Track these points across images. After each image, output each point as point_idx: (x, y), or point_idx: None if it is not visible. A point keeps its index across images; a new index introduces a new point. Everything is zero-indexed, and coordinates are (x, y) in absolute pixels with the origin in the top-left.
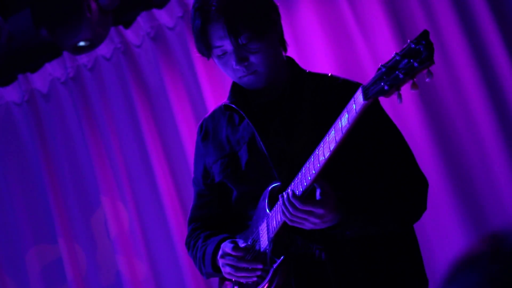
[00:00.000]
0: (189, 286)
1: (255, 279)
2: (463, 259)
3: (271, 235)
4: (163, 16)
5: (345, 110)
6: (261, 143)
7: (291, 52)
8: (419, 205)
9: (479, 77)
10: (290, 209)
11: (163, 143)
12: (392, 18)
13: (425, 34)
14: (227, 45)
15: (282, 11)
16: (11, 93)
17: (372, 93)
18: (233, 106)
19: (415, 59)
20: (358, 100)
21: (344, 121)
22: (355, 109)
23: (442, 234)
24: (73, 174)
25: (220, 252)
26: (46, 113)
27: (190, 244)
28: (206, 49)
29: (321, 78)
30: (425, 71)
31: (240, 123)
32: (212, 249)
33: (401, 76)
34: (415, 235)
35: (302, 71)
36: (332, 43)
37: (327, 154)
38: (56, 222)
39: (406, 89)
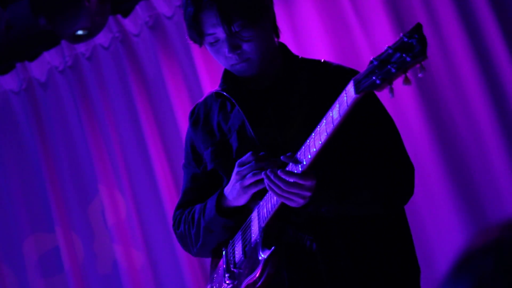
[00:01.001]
0: (186, 275)
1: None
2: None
3: (262, 224)
4: (161, 5)
5: (337, 102)
6: (251, 131)
7: (290, 42)
8: (403, 188)
9: (479, 72)
10: (281, 185)
11: (160, 132)
12: (390, 8)
13: (418, 27)
14: (220, 33)
15: (280, 1)
16: (9, 81)
17: (364, 86)
18: (224, 93)
19: (407, 53)
20: (349, 93)
21: (335, 113)
22: (346, 102)
23: (441, 228)
24: (70, 163)
25: (231, 179)
26: (44, 102)
27: (181, 223)
28: (198, 36)
29: (314, 64)
30: (418, 65)
31: (232, 110)
32: (215, 195)
33: (393, 70)
34: (407, 224)
35: (295, 57)
36: (330, 33)
37: (318, 145)
38: (53, 211)
39: (398, 83)
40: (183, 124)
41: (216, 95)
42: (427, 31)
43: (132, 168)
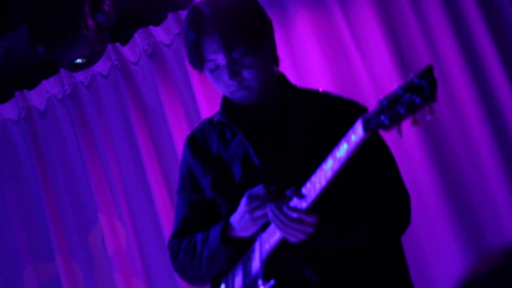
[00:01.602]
0: None
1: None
2: (462, 283)
3: (263, 257)
4: (159, 33)
5: (343, 140)
6: (256, 160)
7: (287, 68)
8: (399, 220)
9: (478, 99)
10: (285, 220)
11: (160, 160)
12: (388, 33)
13: (428, 69)
14: (220, 59)
15: (278, 26)
16: (8, 110)
17: (372, 126)
18: (227, 121)
19: (417, 95)
20: (357, 132)
21: (342, 151)
22: (354, 141)
23: (440, 254)
24: (70, 191)
25: (241, 207)
26: (43, 130)
27: (181, 246)
28: (198, 62)
29: (312, 94)
30: (427, 108)
31: (233, 138)
32: (220, 224)
33: (402, 111)
34: (403, 254)
35: (293, 87)
36: (328, 59)
37: (323, 183)
38: (53, 240)
39: (406, 124)
40: (182, 151)
41: (217, 123)
42: (424, 56)
43: (132, 196)
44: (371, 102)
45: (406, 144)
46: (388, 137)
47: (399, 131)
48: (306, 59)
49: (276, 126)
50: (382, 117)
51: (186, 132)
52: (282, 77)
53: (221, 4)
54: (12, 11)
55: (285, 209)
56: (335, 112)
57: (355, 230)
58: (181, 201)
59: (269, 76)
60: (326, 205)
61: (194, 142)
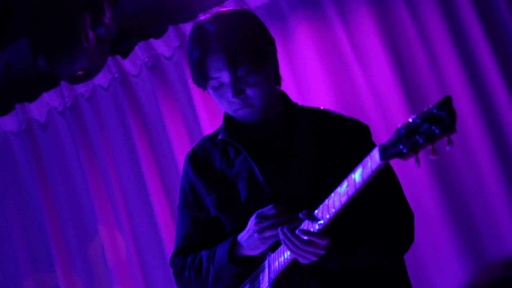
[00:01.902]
0: None
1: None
2: None
3: (272, 277)
4: (160, 45)
5: (360, 165)
6: (261, 179)
7: (288, 80)
8: (404, 237)
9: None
10: (296, 242)
11: (160, 172)
12: (388, 45)
13: (447, 100)
14: (225, 77)
15: (278, 39)
16: (9, 122)
17: (390, 154)
18: (231, 140)
19: (436, 125)
20: (374, 159)
21: (357, 176)
22: (371, 167)
23: (441, 267)
24: (70, 203)
25: (250, 225)
26: (44, 143)
27: (186, 263)
28: (202, 80)
29: (314, 112)
30: (445, 138)
31: (236, 157)
32: (228, 242)
33: (421, 141)
34: (405, 267)
35: (295, 105)
36: (328, 71)
37: (338, 206)
38: (53, 251)
39: (424, 154)
40: (183, 164)
41: (220, 141)
42: (424, 67)
43: (132, 209)
44: (371, 114)
45: (408, 163)
46: None
47: (417, 161)
48: (306, 71)
49: (279, 145)
50: (401, 146)
51: (187, 144)
52: (284, 96)
53: (225, 23)
54: (13, 23)
55: (297, 231)
56: (337, 130)
57: (363, 251)
58: (183, 218)
59: (271, 94)
60: (335, 226)
61: (196, 159)
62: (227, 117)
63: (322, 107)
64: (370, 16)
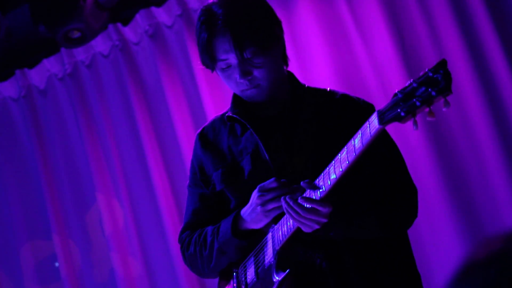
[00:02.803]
0: (183, 285)
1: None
2: (462, 267)
3: (277, 247)
4: (161, 14)
5: (359, 131)
6: (265, 154)
7: (291, 58)
8: (407, 212)
9: (478, 82)
10: (299, 210)
11: (159, 141)
12: (391, 23)
13: (442, 63)
14: (232, 59)
15: (282, 18)
16: (8, 88)
17: (388, 118)
18: (237, 117)
19: (432, 87)
20: (373, 124)
21: (357, 142)
22: (370, 132)
23: (439, 242)
24: (68, 171)
25: (252, 201)
26: (43, 109)
27: (192, 239)
28: (210, 62)
29: (320, 93)
30: (442, 100)
31: (243, 134)
32: (231, 217)
33: (418, 103)
34: (408, 240)
35: (302, 86)
36: (331, 48)
37: (339, 173)
38: (51, 218)
39: (421, 117)
40: (182, 133)
41: (228, 118)
42: (427, 47)
43: (130, 177)
44: (372, 88)
45: (408, 137)
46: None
47: (415, 123)
48: (308, 45)
49: (286, 123)
50: (398, 110)
51: (186, 112)
52: (291, 76)
53: (233, 6)
54: None
55: (300, 200)
56: (342, 109)
57: (365, 221)
58: (191, 195)
59: (278, 75)
60: (338, 197)
61: (205, 137)
62: (235, 96)
63: (328, 88)
64: None
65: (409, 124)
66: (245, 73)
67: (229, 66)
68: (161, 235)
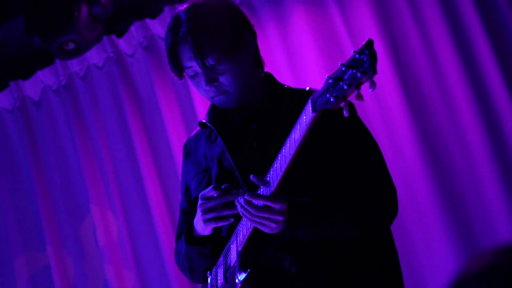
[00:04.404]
0: None
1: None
2: (454, 282)
3: (239, 248)
4: (156, 26)
5: (297, 123)
6: (229, 157)
7: (283, 64)
8: (384, 210)
9: (469, 86)
10: (250, 210)
11: (153, 152)
12: (384, 30)
13: (369, 43)
14: (196, 66)
15: (274, 23)
16: (3, 99)
17: (319, 104)
18: (207, 123)
19: (358, 69)
20: (307, 113)
21: (296, 134)
22: (305, 121)
23: (432, 254)
24: (63, 182)
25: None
26: (37, 121)
27: (176, 253)
28: (177, 70)
29: (298, 92)
30: (369, 81)
31: (216, 139)
32: (185, 226)
33: (345, 87)
34: (394, 247)
35: (280, 86)
36: (323, 55)
37: (283, 167)
38: (45, 230)
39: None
40: (175, 145)
41: (199, 124)
42: (419, 52)
43: (124, 188)
44: (366, 100)
45: (400, 144)
46: (381, 133)
47: (346, 108)
48: (301, 55)
49: (261, 124)
50: (328, 95)
51: (180, 124)
52: (269, 77)
53: (196, 11)
54: (9, 1)
55: (247, 196)
56: None
57: (334, 219)
58: (179, 208)
59: (249, 79)
60: (304, 195)
61: (187, 149)
62: None
63: (308, 88)
64: (366, 1)
65: (403, 131)
66: (210, 80)
67: (196, 74)
68: (155, 246)
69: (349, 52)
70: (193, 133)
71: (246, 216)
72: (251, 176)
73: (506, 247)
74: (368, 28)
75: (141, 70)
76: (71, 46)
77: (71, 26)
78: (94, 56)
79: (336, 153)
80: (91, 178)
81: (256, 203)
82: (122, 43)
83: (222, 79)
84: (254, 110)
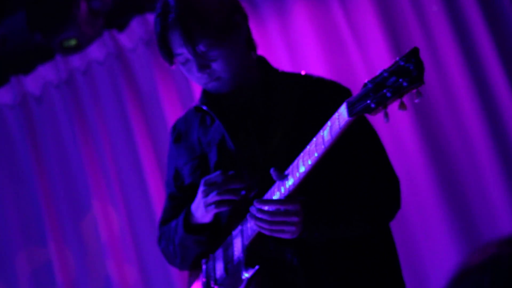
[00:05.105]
0: None
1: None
2: (456, 274)
3: (246, 243)
4: None
5: (328, 122)
6: (231, 144)
7: (284, 59)
8: (389, 205)
9: (472, 85)
10: (265, 217)
11: (154, 148)
12: (386, 25)
13: (415, 51)
14: (187, 53)
15: (276, 18)
16: (4, 95)
17: (357, 110)
18: (204, 107)
19: (404, 78)
20: (342, 116)
21: (326, 134)
22: (339, 124)
23: (434, 247)
24: (64, 178)
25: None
26: (38, 116)
27: (162, 239)
28: (168, 56)
29: (294, 77)
30: (414, 91)
31: (212, 124)
32: (183, 213)
33: (388, 94)
34: (392, 240)
35: (274, 70)
36: (325, 50)
37: (308, 166)
38: (46, 226)
39: (393, 108)
40: None
41: (195, 109)
42: (423, 52)
43: (126, 184)
44: None
45: (403, 140)
46: (384, 130)
47: (386, 115)
48: (303, 50)
49: (256, 109)
50: (368, 101)
51: None
52: (262, 61)
53: None
54: None
55: (257, 204)
56: (316, 94)
57: (350, 219)
58: (166, 193)
59: (242, 64)
60: (319, 195)
61: (177, 131)
62: None
63: (303, 72)
64: None
65: (402, 127)
66: (202, 66)
67: (187, 60)
68: (156, 242)
69: (352, 49)
70: (181, 117)
71: (264, 228)
72: (271, 170)
73: (509, 237)
74: (370, 24)
75: (142, 65)
76: (72, 42)
77: (72, 23)
78: (95, 51)
79: (340, 149)
80: (92, 174)
81: (267, 208)
82: (123, 38)
83: (214, 65)
84: (249, 95)
